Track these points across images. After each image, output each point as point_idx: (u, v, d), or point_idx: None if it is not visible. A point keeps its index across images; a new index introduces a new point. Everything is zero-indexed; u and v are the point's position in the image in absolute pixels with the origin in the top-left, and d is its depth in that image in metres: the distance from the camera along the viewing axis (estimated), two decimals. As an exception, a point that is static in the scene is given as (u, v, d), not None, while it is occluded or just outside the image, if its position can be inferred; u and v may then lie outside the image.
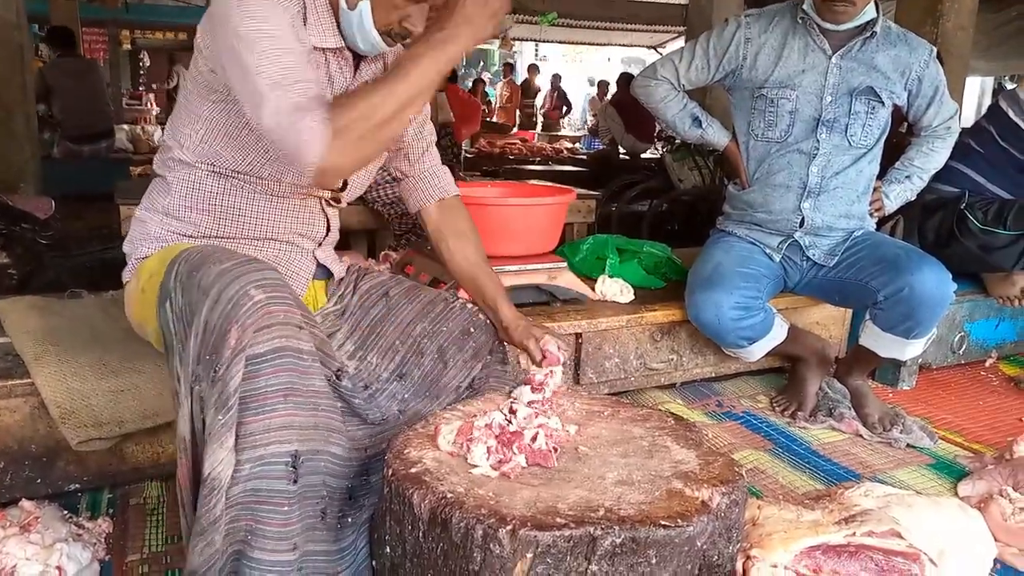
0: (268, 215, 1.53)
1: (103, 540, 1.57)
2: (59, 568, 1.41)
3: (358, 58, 1.52)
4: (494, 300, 1.65)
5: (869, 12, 2.19)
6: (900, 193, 2.43)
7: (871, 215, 2.40)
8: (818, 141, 2.27)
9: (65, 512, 1.61)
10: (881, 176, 2.42)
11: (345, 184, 1.62)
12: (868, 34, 2.21)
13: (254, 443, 1.17)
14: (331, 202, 1.64)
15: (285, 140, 1.23)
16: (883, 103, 2.26)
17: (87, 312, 1.96)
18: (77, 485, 1.73)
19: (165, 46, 15.66)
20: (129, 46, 14.55)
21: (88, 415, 1.60)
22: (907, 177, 2.42)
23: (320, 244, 1.65)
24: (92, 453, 1.68)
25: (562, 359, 1.54)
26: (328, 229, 1.66)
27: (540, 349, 1.55)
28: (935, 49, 2.31)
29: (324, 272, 1.68)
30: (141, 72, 16.46)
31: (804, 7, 2.22)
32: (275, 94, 1.22)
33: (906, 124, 3.10)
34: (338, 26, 1.45)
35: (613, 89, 10.59)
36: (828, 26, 2.21)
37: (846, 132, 2.26)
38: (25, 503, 1.57)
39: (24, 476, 1.67)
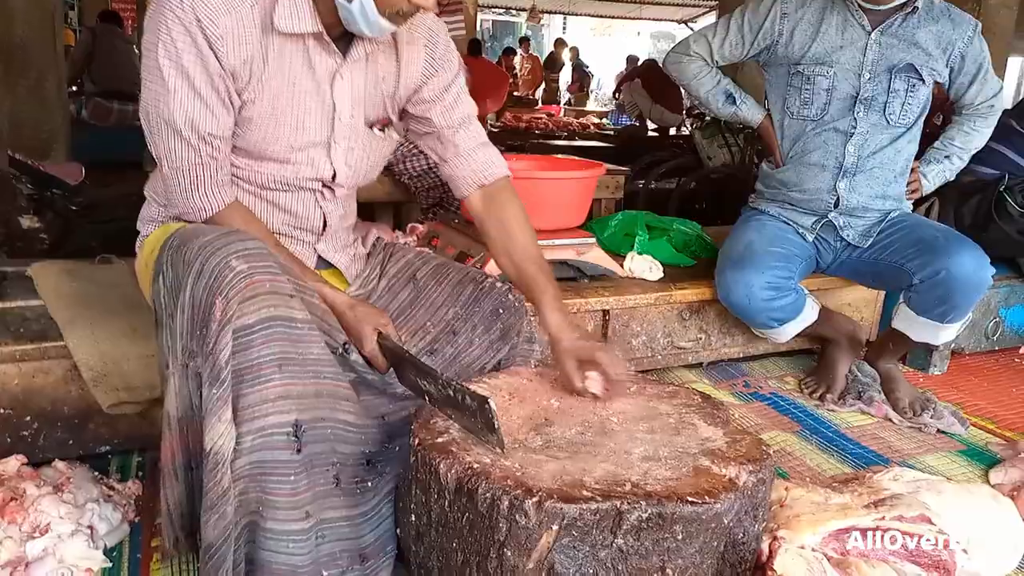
0: (257, 208, 1.47)
1: (132, 502, 1.59)
2: (91, 528, 1.44)
3: (349, 38, 1.42)
4: (540, 304, 1.50)
5: (911, -12, 2.12)
6: (939, 173, 2.38)
7: (908, 196, 2.35)
8: (855, 120, 2.22)
9: (96, 473, 1.63)
10: (919, 157, 2.36)
11: (335, 175, 1.51)
12: (909, 9, 2.15)
13: (252, 415, 1.16)
14: (325, 194, 1.53)
15: (177, 191, 1.39)
16: (923, 81, 2.20)
17: (117, 278, 1.97)
18: (108, 447, 1.75)
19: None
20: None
21: (119, 379, 1.62)
22: (946, 157, 2.37)
23: (320, 237, 1.57)
24: (122, 417, 1.70)
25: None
26: (325, 223, 1.56)
27: (580, 378, 1.40)
28: (980, 24, 2.23)
29: (329, 264, 1.60)
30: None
31: (843, -18, 2.16)
32: (175, 148, 1.36)
33: (940, 116, 3.03)
34: (316, 9, 1.36)
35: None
36: (868, 5, 2.15)
37: (884, 111, 2.21)
38: (58, 463, 1.59)
39: (56, 437, 1.69)
